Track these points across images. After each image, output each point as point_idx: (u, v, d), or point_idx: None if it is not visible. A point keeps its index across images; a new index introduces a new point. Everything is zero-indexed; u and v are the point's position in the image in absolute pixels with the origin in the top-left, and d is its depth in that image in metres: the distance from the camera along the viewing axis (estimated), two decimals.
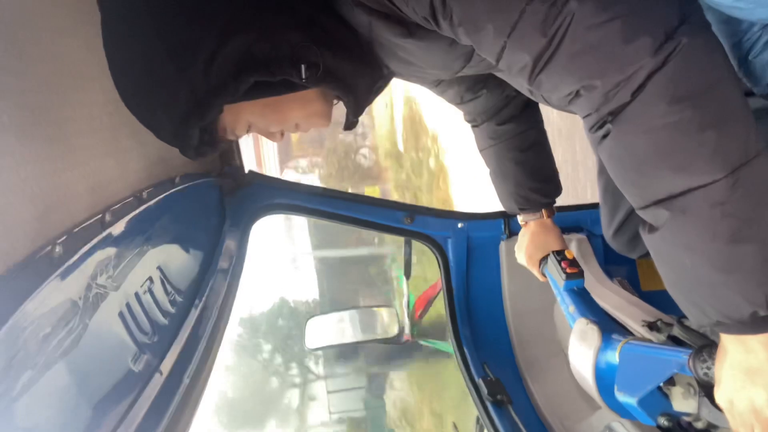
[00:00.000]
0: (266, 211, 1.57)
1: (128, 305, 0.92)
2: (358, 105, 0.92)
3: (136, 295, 0.97)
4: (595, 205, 1.72)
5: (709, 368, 0.81)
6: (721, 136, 0.63)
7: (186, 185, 1.34)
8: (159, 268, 1.09)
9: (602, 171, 1.48)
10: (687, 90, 0.63)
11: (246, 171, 1.57)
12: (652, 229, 0.69)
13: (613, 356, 1.04)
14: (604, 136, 0.69)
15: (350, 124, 1.00)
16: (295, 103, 0.88)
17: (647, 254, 1.52)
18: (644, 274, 1.84)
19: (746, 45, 0.82)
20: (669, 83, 0.63)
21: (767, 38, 0.80)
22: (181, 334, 1.04)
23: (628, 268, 1.82)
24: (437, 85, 1.24)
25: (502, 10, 0.69)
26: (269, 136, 0.94)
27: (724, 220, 0.63)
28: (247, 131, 0.91)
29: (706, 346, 0.85)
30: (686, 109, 0.63)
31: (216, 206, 1.47)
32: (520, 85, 1.18)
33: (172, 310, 1.06)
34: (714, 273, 0.65)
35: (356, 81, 0.88)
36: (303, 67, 0.80)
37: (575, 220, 1.76)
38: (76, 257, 0.81)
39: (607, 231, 1.53)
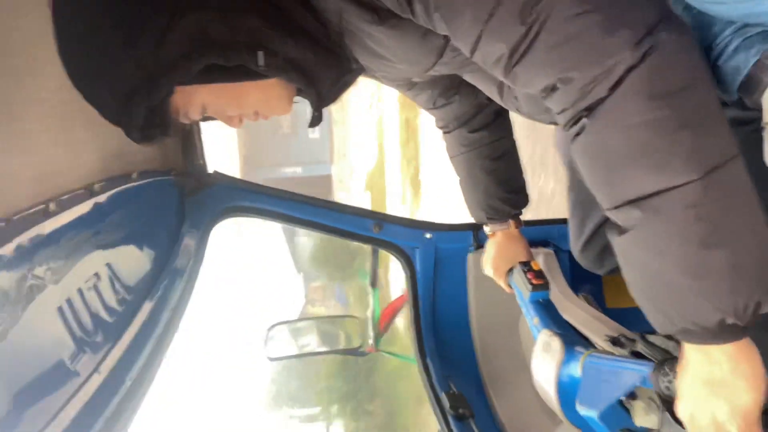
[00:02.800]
0: (229, 213, 1.52)
1: (69, 300, 0.87)
2: (320, 98, 0.88)
3: (80, 291, 0.91)
4: (563, 221, 1.72)
5: (670, 381, 0.79)
6: (698, 136, 0.61)
7: (143, 182, 1.29)
8: (108, 264, 1.04)
9: (572, 185, 1.48)
10: (665, 88, 0.61)
11: (210, 171, 1.52)
12: (621, 231, 0.67)
13: (576, 369, 1.02)
14: (579, 133, 0.67)
15: (315, 119, 0.97)
16: (253, 88, 0.84)
17: (614, 270, 1.54)
18: (610, 291, 1.84)
19: (716, 50, 0.81)
20: (647, 79, 0.61)
21: (737, 42, 0.79)
22: (127, 334, 0.99)
23: (594, 285, 1.82)
24: (410, 88, 1.22)
25: None
26: (227, 120, 0.90)
27: (696, 223, 0.61)
28: (202, 114, 0.86)
29: (668, 360, 0.83)
30: (663, 107, 0.61)
31: (175, 206, 1.42)
32: (490, 90, 1.18)
33: (119, 308, 1.01)
34: (683, 277, 0.63)
35: (320, 72, 0.85)
36: (261, 54, 0.76)
37: (543, 234, 1.75)
38: (11, 247, 0.76)
39: (575, 245, 1.52)
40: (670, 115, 0.61)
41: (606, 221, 1.42)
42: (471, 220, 1.55)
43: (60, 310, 0.83)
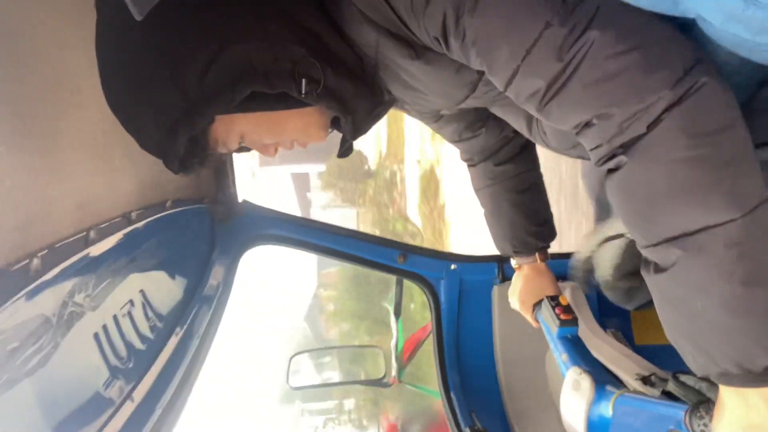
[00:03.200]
0: (257, 241, 1.54)
1: (105, 327, 0.88)
2: (356, 127, 0.90)
3: (115, 317, 0.93)
4: None
5: (706, 425, 0.77)
6: (739, 175, 0.62)
7: (177, 210, 1.31)
8: (141, 291, 1.06)
9: (599, 218, 1.47)
10: (706, 126, 0.62)
11: (240, 200, 1.55)
12: (659, 269, 0.67)
13: (607, 409, 1.00)
14: (615, 169, 0.68)
15: (346, 150, 0.99)
16: (292, 116, 0.86)
17: (643, 306, 1.51)
18: (638, 327, 1.80)
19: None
20: (688, 117, 0.62)
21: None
22: (158, 362, 1.00)
23: (622, 321, 1.79)
24: (437, 120, 1.24)
25: (520, 32, 0.68)
26: (263, 149, 0.91)
27: (740, 261, 0.61)
28: (240, 143, 0.88)
29: (703, 402, 0.81)
30: (705, 145, 0.61)
31: (206, 233, 1.44)
32: (519, 124, 1.19)
33: (151, 335, 1.02)
34: (728, 317, 0.62)
35: (356, 102, 0.86)
36: (303, 81, 0.78)
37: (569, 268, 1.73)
38: (54, 273, 0.78)
39: (603, 280, 1.50)
40: (711, 154, 0.61)
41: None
42: (496, 251, 1.55)
43: (96, 336, 0.85)
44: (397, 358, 2.02)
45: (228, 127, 0.85)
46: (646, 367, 1.25)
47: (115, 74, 0.79)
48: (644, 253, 0.69)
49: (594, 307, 1.70)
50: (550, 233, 1.40)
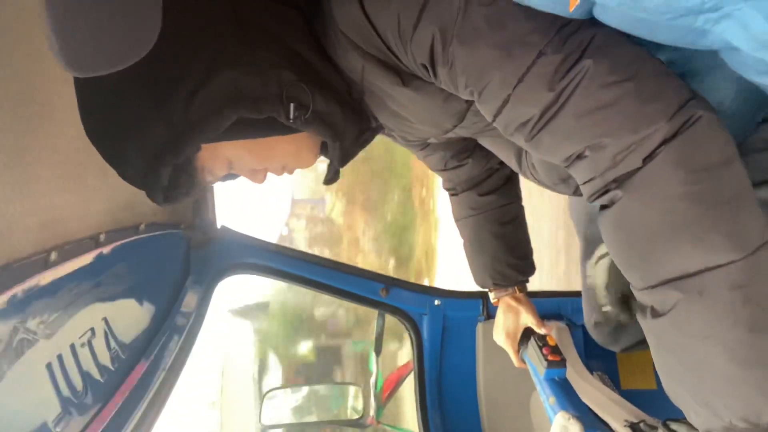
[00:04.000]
0: (235, 270, 1.49)
1: (60, 357, 0.81)
2: (344, 153, 0.87)
3: (72, 346, 0.86)
4: (577, 293, 1.67)
5: None
6: (740, 212, 0.58)
7: (150, 234, 1.26)
8: (104, 319, 0.99)
9: (586, 257, 1.44)
10: (705, 161, 0.59)
11: (218, 226, 1.49)
12: (656, 314, 0.62)
13: None
14: (608, 205, 0.64)
15: (333, 177, 0.95)
16: (281, 141, 0.83)
17: (629, 348, 1.47)
18: (625, 371, 1.76)
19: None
20: (686, 151, 0.59)
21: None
22: (118, 395, 0.92)
23: (609, 364, 1.75)
24: (422, 148, 1.21)
25: (512, 60, 0.65)
26: (251, 176, 0.88)
27: (745, 306, 0.57)
28: (227, 171, 0.84)
29: None
30: (703, 180, 0.58)
31: (181, 259, 1.38)
32: (508, 157, 1.16)
33: (111, 367, 0.95)
34: (733, 366, 0.58)
35: (345, 127, 0.83)
36: (292, 106, 0.75)
37: (556, 308, 1.70)
38: (4, 297, 0.72)
39: (589, 320, 1.47)
40: (710, 189, 0.58)
41: (627, 298, 1.37)
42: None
43: (49, 367, 0.78)
44: (376, 396, 1.94)
45: (214, 154, 0.81)
46: (635, 414, 1.21)
47: (96, 105, 0.75)
48: (640, 297, 0.65)
49: (580, 348, 1.66)
50: (530, 267, 1.37)
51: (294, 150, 0.86)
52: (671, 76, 0.63)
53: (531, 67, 0.64)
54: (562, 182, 1.12)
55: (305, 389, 1.87)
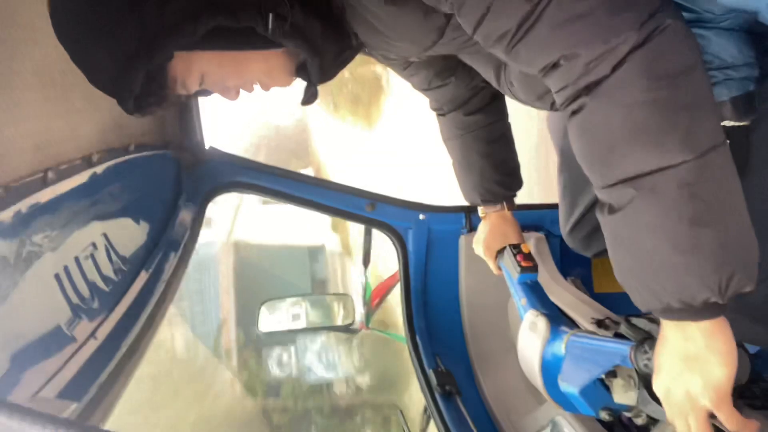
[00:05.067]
0: (225, 188, 1.54)
1: (66, 268, 0.88)
2: (323, 71, 0.89)
3: (77, 259, 0.93)
4: (554, 206, 1.74)
5: (649, 359, 0.82)
6: (695, 118, 0.64)
7: (141, 155, 1.30)
8: (105, 235, 1.06)
9: (563, 168, 1.49)
10: (666, 69, 0.63)
11: (207, 147, 1.53)
12: (612, 210, 0.69)
13: (560, 347, 1.05)
14: (577, 111, 0.69)
15: (310, 96, 0.97)
16: (257, 56, 0.84)
17: (602, 252, 1.56)
18: (598, 276, 1.87)
19: None
20: (650, 60, 0.63)
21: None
22: (123, 303, 1.00)
23: (584, 270, 1.84)
24: (405, 67, 1.23)
25: None
26: (224, 92, 0.89)
27: (690, 202, 0.64)
28: (200, 84, 0.86)
29: (648, 339, 0.86)
30: (664, 87, 0.63)
31: (172, 180, 1.43)
32: (487, 73, 1.19)
33: (115, 278, 1.03)
34: (674, 254, 0.65)
35: (324, 44, 0.85)
36: (270, 16, 0.76)
37: (535, 219, 1.77)
38: (11, 212, 0.78)
39: (564, 227, 1.55)
40: (670, 96, 0.63)
41: (596, 202, 1.45)
42: (463, 202, 1.58)
43: (57, 277, 0.85)
44: (365, 304, 2.06)
45: (188, 65, 0.82)
46: (601, 312, 1.31)
47: (66, 6, 0.75)
48: (600, 195, 0.71)
49: (557, 256, 1.76)
50: (518, 183, 1.42)
51: (267, 68, 0.87)
52: None
53: None
54: (538, 99, 1.15)
55: (299, 299, 1.99)
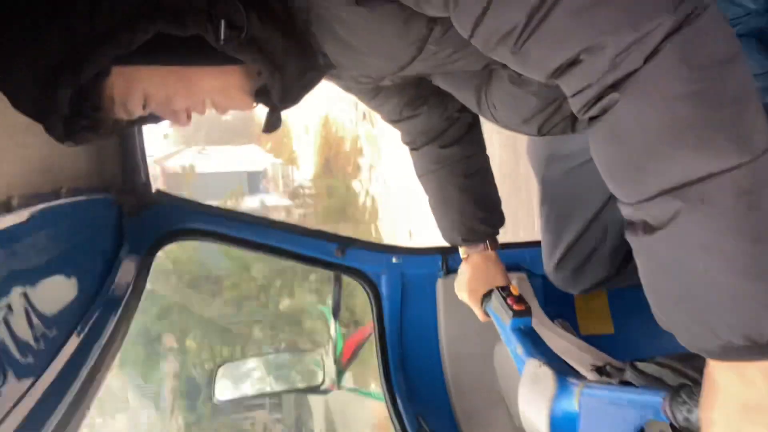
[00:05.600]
0: (175, 236, 1.37)
1: None
2: (284, 89, 0.77)
3: None
4: (535, 243, 1.65)
5: (690, 411, 0.69)
6: (745, 112, 0.53)
7: (75, 199, 1.12)
8: (24, 294, 0.87)
9: (544, 199, 1.40)
10: (709, 57, 0.53)
11: (153, 189, 1.36)
12: (650, 229, 0.57)
13: (571, 403, 0.91)
14: (602, 113, 0.58)
15: (273, 122, 0.85)
16: (209, 72, 0.72)
17: (589, 288, 1.46)
18: (583, 317, 1.77)
19: None
20: (689, 46, 0.53)
21: None
22: (47, 375, 0.82)
23: (567, 311, 1.75)
24: (375, 95, 1.12)
25: None
26: (172, 116, 0.77)
27: (749, 214, 0.52)
28: (142, 106, 0.73)
29: (685, 386, 0.73)
30: (708, 78, 0.53)
31: (112, 227, 1.25)
32: (466, 97, 1.09)
33: (35, 345, 0.84)
34: (736, 279, 0.54)
35: (285, 59, 0.73)
36: (223, 24, 0.64)
37: (515, 259, 1.67)
38: None
39: (548, 263, 1.45)
40: (716, 87, 0.52)
41: (586, 231, 1.35)
42: (439, 243, 1.46)
43: None
44: (336, 362, 1.88)
45: (128, 82, 0.69)
46: (600, 357, 1.19)
47: None
48: (632, 213, 0.59)
49: (539, 297, 1.65)
50: (500, 219, 1.32)
51: (221, 86, 0.76)
52: None
53: None
54: (524, 123, 1.06)
55: (261, 359, 1.79)
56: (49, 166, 1.08)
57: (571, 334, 1.44)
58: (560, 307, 1.69)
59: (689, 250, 0.55)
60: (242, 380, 1.76)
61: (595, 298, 1.76)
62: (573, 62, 0.58)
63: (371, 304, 1.59)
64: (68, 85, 0.63)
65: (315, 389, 1.88)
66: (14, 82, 0.65)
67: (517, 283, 1.61)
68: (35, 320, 0.87)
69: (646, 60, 0.53)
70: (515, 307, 1.17)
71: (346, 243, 1.55)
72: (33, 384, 0.80)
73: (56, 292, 0.98)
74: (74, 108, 0.66)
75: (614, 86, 0.56)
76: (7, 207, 0.89)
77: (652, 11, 0.53)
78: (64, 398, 0.83)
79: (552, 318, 1.57)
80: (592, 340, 1.33)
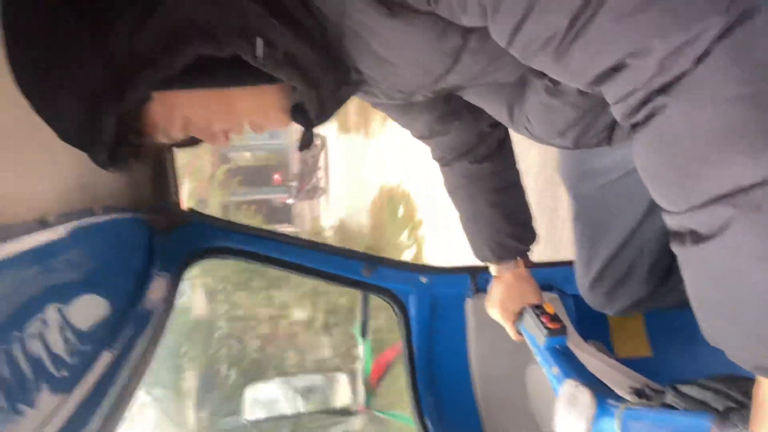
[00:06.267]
0: (205, 254, 1.37)
1: (4, 350, 0.70)
2: (320, 106, 0.77)
3: (19, 339, 0.75)
4: (566, 263, 1.61)
5: None
6: None
7: (108, 217, 1.14)
8: (59, 310, 0.88)
9: (579, 216, 1.37)
10: (763, 59, 0.51)
11: (185, 208, 1.38)
12: (699, 238, 0.54)
13: (612, 425, 0.88)
14: (649, 118, 0.55)
15: (307, 139, 0.85)
16: (246, 93, 0.73)
17: (625, 310, 1.41)
18: (618, 339, 1.71)
19: None
20: (743, 47, 0.51)
21: None
22: (78, 390, 0.82)
23: (602, 333, 1.70)
24: (407, 111, 1.12)
25: None
26: (211, 138, 0.77)
27: None
28: (184, 131, 0.73)
29: (733, 409, 0.70)
30: (762, 80, 0.50)
31: (144, 246, 1.26)
32: (499, 112, 1.08)
33: (69, 360, 0.84)
34: None
35: (320, 75, 0.74)
36: (260, 42, 0.64)
37: (546, 278, 1.63)
38: None
39: (583, 282, 1.40)
40: None
41: (623, 248, 1.30)
42: (469, 262, 1.44)
43: None
44: (364, 382, 1.85)
45: (169, 108, 0.70)
46: (638, 380, 1.15)
47: (24, 42, 0.63)
48: (679, 222, 0.56)
49: (572, 318, 1.61)
50: (531, 235, 1.29)
51: (259, 106, 0.76)
52: None
53: None
54: (560, 135, 1.04)
55: (289, 380, 1.77)
56: (83, 185, 1.10)
57: (607, 356, 1.40)
58: (594, 328, 1.65)
59: (742, 259, 0.52)
60: (271, 401, 1.75)
61: (631, 320, 1.70)
62: (618, 67, 0.56)
63: (400, 324, 1.57)
64: (112, 113, 0.64)
65: (344, 411, 1.85)
66: (59, 114, 0.66)
67: (549, 302, 1.57)
68: (69, 335, 0.87)
69: (697, 62, 0.51)
70: (550, 325, 1.14)
71: (374, 262, 1.54)
72: (66, 398, 0.80)
73: (89, 308, 0.99)
74: (117, 134, 0.67)
75: (662, 90, 0.54)
76: (44, 224, 0.91)
77: (701, 12, 0.51)
78: (97, 412, 0.82)
79: (585, 340, 1.52)
80: (629, 363, 1.28)
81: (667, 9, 0.52)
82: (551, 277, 1.66)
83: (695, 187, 0.53)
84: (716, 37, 0.51)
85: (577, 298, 1.53)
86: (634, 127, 0.57)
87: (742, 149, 0.50)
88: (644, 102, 0.55)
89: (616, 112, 0.59)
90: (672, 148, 0.55)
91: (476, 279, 1.59)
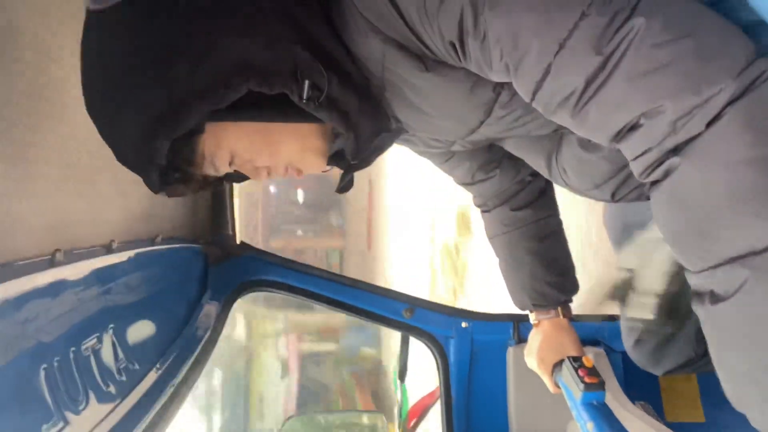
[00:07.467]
0: (253, 286, 1.44)
1: (59, 361, 0.77)
2: (358, 149, 0.82)
3: (74, 352, 0.82)
4: (614, 317, 1.56)
5: None
6: None
7: (168, 247, 1.23)
8: (113, 329, 0.95)
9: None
10: None
11: (238, 241, 1.46)
12: (717, 298, 0.54)
13: None
14: (663, 177, 0.57)
15: (346, 184, 0.90)
16: (289, 134, 0.79)
17: (673, 370, 1.35)
18: (669, 402, 1.63)
19: None
20: (753, 112, 0.52)
21: None
22: (122, 406, 0.88)
23: (651, 395, 1.62)
24: (448, 159, 1.16)
25: (551, 24, 0.59)
26: (253, 172, 0.83)
27: None
28: (229, 164, 0.80)
29: None
30: None
31: (198, 275, 1.35)
32: (537, 161, 1.10)
33: (117, 376, 0.91)
34: None
35: (360, 120, 0.79)
36: (307, 83, 0.70)
37: (592, 332, 1.59)
38: (3, 292, 0.69)
39: (628, 340, 1.36)
40: None
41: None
42: (511, 310, 1.43)
43: (46, 370, 0.74)
44: (401, 426, 1.84)
45: (217, 140, 0.77)
46: None
47: (95, 73, 0.72)
48: (698, 282, 0.56)
49: (620, 376, 1.55)
50: (573, 285, 1.27)
51: (300, 148, 0.82)
52: (734, 30, 0.57)
53: (573, 31, 0.58)
54: (596, 188, 1.04)
55: (326, 416, 1.79)
56: (147, 215, 1.20)
57: (654, 419, 1.33)
58: (644, 388, 1.57)
59: (758, 321, 0.51)
60: None
61: (684, 382, 1.62)
62: (633, 126, 0.58)
63: (438, 368, 1.56)
64: (167, 137, 0.70)
65: None
66: (118, 133, 0.73)
67: (594, 357, 1.52)
68: (120, 353, 0.94)
69: (708, 125, 0.53)
70: (587, 379, 1.11)
71: (416, 303, 1.55)
72: (112, 410, 0.86)
73: (142, 329, 1.06)
74: (169, 161, 0.73)
75: (675, 150, 0.55)
76: (108, 249, 1.00)
77: (714, 76, 0.53)
78: (138, 425, 0.88)
79: (633, 400, 1.46)
80: (679, 428, 1.22)
81: (680, 72, 0.54)
82: (600, 332, 1.61)
83: (710, 248, 0.54)
84: (728, 101, 0.52)
85: (626, 356, 1.48)
86: (652, 185, 0.59)
87: (753, 212, 0.51)
88: (659, 161, 0.57)
89: (635, 169, 0.61)
90: (686, 209, 0.56)
91: (519, 327, 1.57)
